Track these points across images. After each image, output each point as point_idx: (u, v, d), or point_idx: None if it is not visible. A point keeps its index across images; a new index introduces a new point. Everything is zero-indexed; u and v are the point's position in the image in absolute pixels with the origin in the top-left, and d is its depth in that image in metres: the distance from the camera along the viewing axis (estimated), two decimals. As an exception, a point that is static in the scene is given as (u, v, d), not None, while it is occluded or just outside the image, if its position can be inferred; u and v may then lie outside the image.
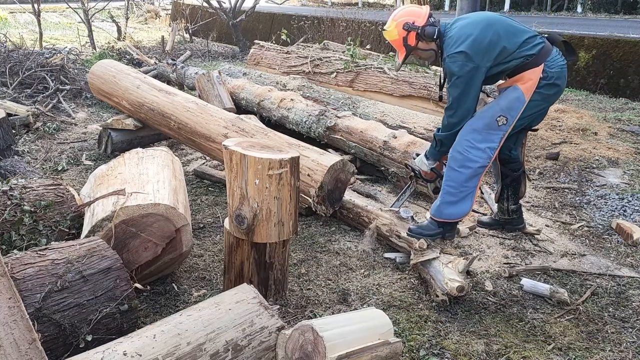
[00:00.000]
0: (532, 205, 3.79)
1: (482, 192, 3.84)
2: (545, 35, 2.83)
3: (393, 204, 3.40)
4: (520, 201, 3.27)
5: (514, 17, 3.00)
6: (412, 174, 3.14)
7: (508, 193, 3.19)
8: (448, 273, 2.57)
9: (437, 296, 2.56)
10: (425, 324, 2.45)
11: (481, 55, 2.63)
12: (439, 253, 2.72)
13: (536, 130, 3.12)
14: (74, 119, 5.78)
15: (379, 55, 6.43)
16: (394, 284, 2.79)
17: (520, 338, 2.38)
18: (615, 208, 3.69)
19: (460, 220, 2.91)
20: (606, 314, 2.55)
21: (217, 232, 3.32)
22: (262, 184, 2.24)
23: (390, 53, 6.67)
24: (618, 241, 3.27)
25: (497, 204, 3.31)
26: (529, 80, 2.69)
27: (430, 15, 2.81)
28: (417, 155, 3.12)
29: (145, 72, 6.77)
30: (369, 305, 2.57)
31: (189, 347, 1.74)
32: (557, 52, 2.77)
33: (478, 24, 2.68)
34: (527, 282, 2.74)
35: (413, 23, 2.77)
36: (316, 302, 2.60)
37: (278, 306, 2.32)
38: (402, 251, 3.01)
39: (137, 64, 8.38)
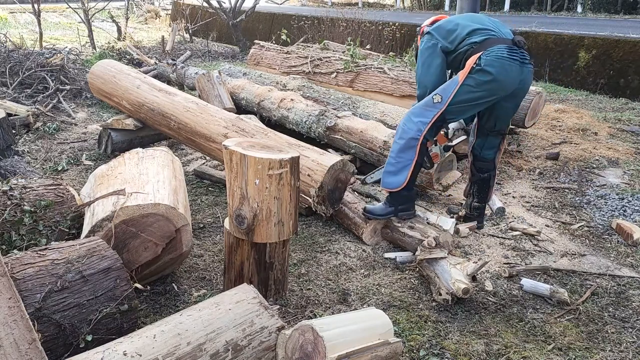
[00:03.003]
0: (532, 205, 3.78)
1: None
2: (516, 37, 3.01)
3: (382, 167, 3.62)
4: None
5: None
6: None
7: (473, 189, 3.40)
8: (455, 274, 2.57)
9: (440, 294, 2.56)
10: (425, 324, 2.45)
11: (441, 36, 3.06)
12: (447, 254, 2.73)
13: (504, 134, 3.30)
14: (74, 119, 5.78)
15: (379, 56, 6.43)
16: (394, 284, 2.79)
17: (520, 338, 2.38)
18: (615, 208, 3.69)
19: (408, 194, 3.15)
20: (606, 314, 2.55)
21: (217, 232, 3.32)
22: (262, 184, 2.24)
23: (391, 53, 6.68)
24: (618, 241, 3.27)
25: (465, 198, 3.51)
26: (467, 66, 2.95)
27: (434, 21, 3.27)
28: None
29: (145, 72, 6.77)
30: (369, 305, 2.57)
31: (189, 347, 1.74)
32: (506, 48, 2.91)
33: (452, 18, 3.15)
34: (527, 282, 2.74)
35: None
36: (316, 302, 2.60)
37: (278, 306, 2.33)
38: (407, 247, 3.06)
39: (137, 64, 8.38)
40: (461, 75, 2.94)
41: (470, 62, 2.91)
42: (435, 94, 3.00)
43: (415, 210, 3.27)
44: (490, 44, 2.91)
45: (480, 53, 2.89)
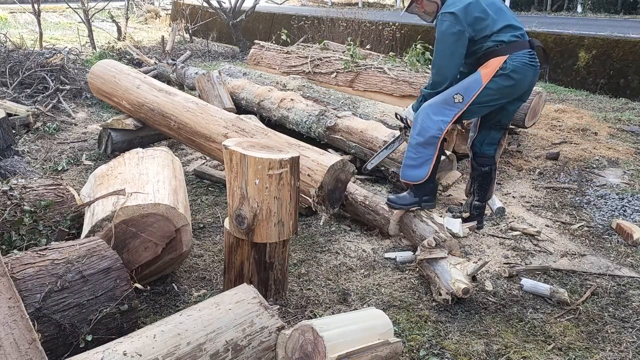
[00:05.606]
0: (532, 205, 3.78)
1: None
2: (534, 41, 2.97)
3: (382, 150, 3.66)
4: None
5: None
6: (402, 124, 3.37)
7: (474, 187, 3.36)
8: (455, 274, 2.57)
9: (440, 294, 2.56)
10: (425, 324, 2.45)
11: (468, 23, 2.84)
12: (447, 254, 2.73)
13: (506, 128, 3.30)
14: (74, 119, 5.78)
15: (379, 55, 6.43)
16: (394, 284, 2.79)
17: (520, 338, 2.38)
18: (615, 208, 3.69)
19: (433, 185, 3.18)
20: (606, 314, 2.55)
21: (217, 232, 3.32)
22: (262, 184, 2.24)
23: (391, 53, 6.67)
24: (618, 241, 3.27)
25: (467, 197, 3.48)
26: (490, 66, 2.87)
27: None
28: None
29: (145, 72, 6.77)
30: (369, 305, 2.57)
31: (189, 347, 1.74)
32: (528, 53, 2.89)
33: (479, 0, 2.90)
34: (527, 282, 2.74)
35: None
36: (316, 302, 2.60)
37: (278, 306, 2.33)
38: (412, 242, 3.06)
39: (137, 64, 8.38)
40: (484, 76, 2.88)
41: (496, 65, 2.85)
42: (457, 93, 2.94)
43: (435, 201, 3.29)
44: (516, 48, 2.86)
45: (506, 57, 2.84)
